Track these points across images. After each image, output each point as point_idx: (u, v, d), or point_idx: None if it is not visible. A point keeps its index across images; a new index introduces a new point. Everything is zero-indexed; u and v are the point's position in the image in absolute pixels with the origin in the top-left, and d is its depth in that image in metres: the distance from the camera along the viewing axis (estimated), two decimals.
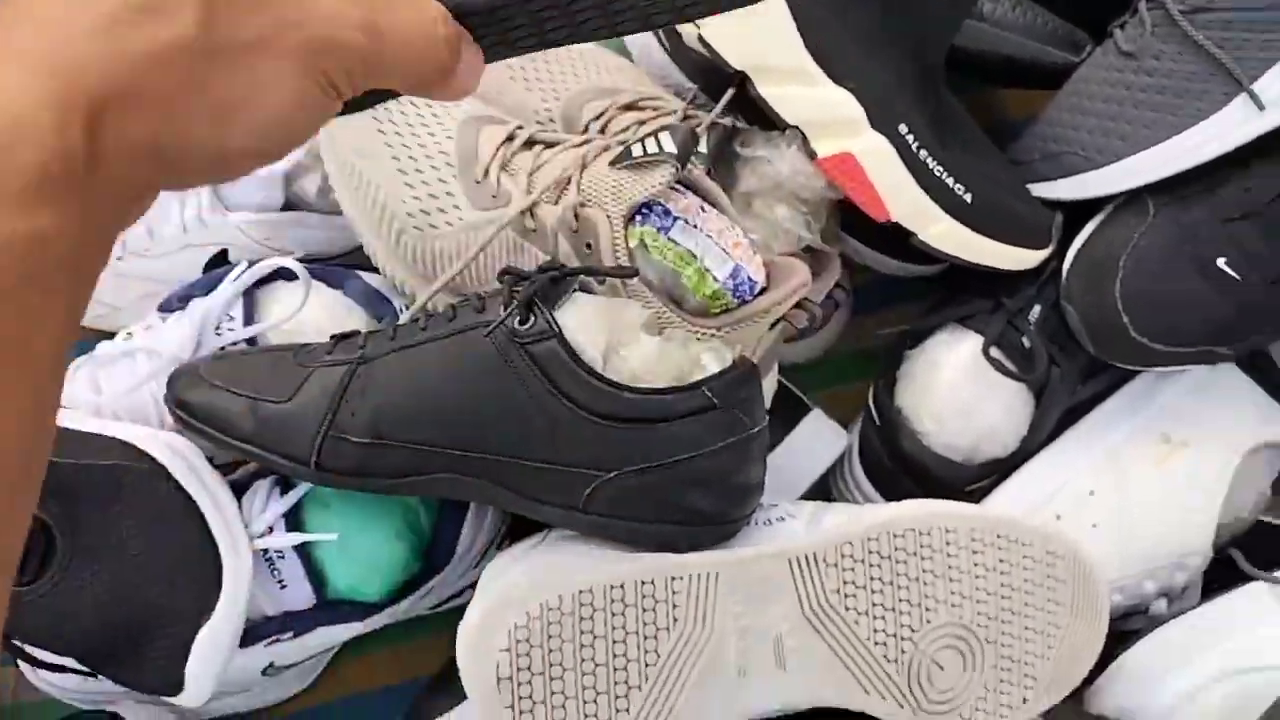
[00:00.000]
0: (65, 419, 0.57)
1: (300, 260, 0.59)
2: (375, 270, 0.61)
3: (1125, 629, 0.62)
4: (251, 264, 0.59)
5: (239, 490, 0.56)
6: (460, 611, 0.51)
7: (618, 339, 0.51)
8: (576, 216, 0.53)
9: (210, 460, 0.56)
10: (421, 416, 0.51)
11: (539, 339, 0.49)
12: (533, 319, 0.49)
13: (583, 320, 0.50)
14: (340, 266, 0.63)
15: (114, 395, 0.59)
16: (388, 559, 0.57)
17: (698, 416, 0.49)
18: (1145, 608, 0.64)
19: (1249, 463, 0.64)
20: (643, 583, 0.50)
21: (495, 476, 0.51)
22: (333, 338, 0.55)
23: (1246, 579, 0.61)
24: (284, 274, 0.60)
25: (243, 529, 0.54)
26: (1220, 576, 0.64)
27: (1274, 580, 0.60)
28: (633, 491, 0.50)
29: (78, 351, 0.64)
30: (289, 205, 0.64)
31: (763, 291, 0.54)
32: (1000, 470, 0.64)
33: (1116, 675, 0.61)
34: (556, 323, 0.49)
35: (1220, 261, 0.58)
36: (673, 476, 0.50)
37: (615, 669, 0.50)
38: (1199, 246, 0.58)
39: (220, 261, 0.63)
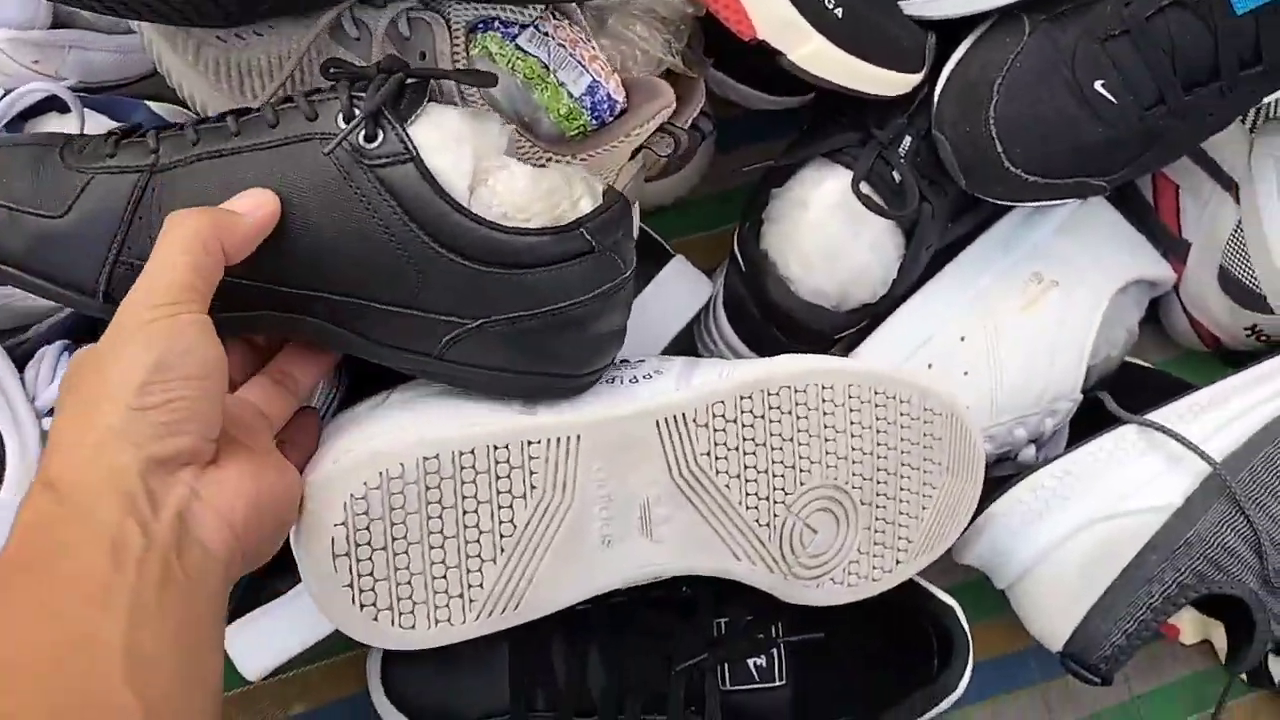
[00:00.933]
0: None
1: (75, 90, 0.50)
2: (171, 100, 0.52)
3: (994, 475, 0.61)
4: (8, 93, 0.49)
5: (20, 359, 0.48)
6: None
7: (485, 165, 0.44)
8: (409, 22, 0.46)
9: None
10: None
11: (392, 161, 0.41)
12: (381, 135, 0.42)
13: (443, 139, 0.43)
14: (124, 95, 0.54)
15: None
16: None
17: (576, 262, 0.44)
18: (1014, 454, 0.62)
19: (1118, 301, 0.63)
20: (495, 447, 0.45)
21: (334, 318, 0.45)
22: (111, 134, 0.45)
23: (1115, 422, 0.60)
24: (55, 105, 0.50)
25: (28, 405, 0.47)
26: (1087, 420, 0.62)
27: (1142, 423, 0.58)
28: (496, 340, 0.45)
29: None
30: (58, 24, 0.54)
31: (623, 113, 0.48)
32: (869, 316, 0.61)
33: (983, 526, 0.59)
34: (413, 142, 0.42)
35: (1097, 84, 0.55)
36: (541, 325, 0.45)
37: (466, 541, 0.45)
38: (1075, 68, 0.55)
39: None
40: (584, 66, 0.47)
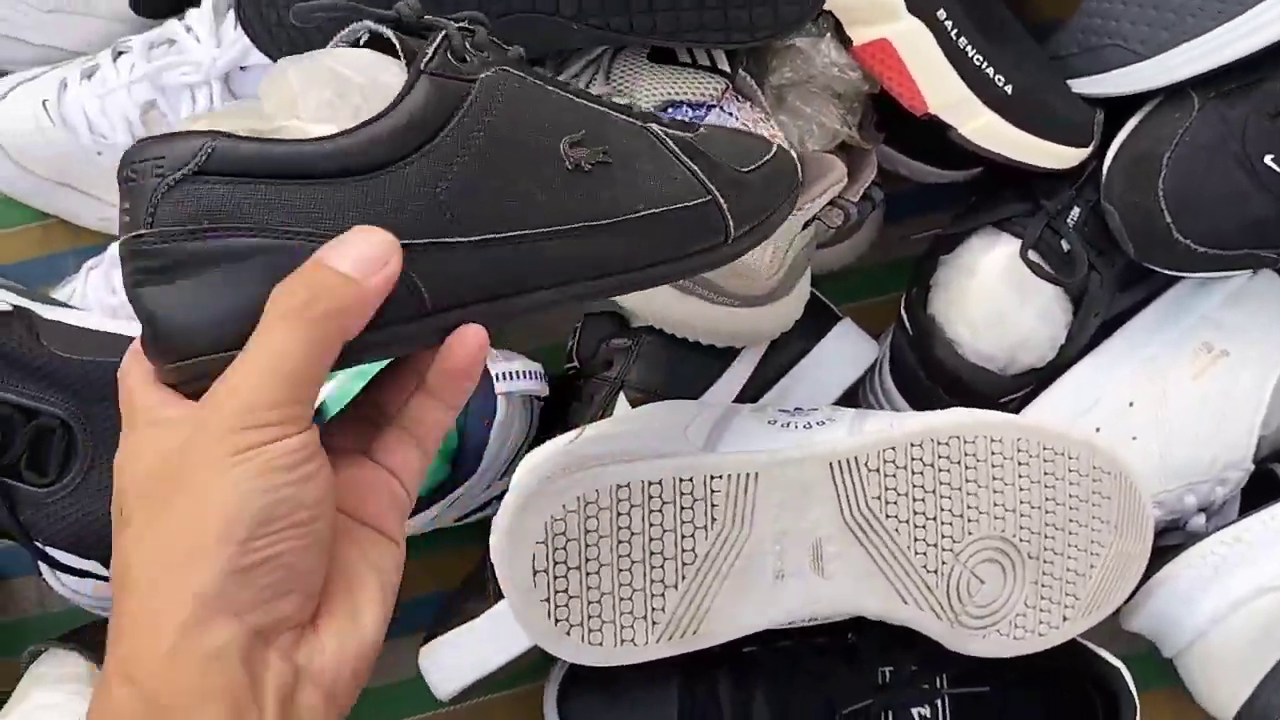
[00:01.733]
0: (82, 319, 0.55)
1: None
2: None
3: (1163, 544, 0.61)
4: None
5: None
6: (486, 525, 0.49)
7: None
8: None
9: None
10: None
11: None
12: None
13: None
14: None
15: None
16: None
17: None
18: (1184, 523, 0.63)
19: None
20: (681, 479, 0.49)
21: None
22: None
23: None
24: None
25: None
26: (1260, 491, 0.62)
27: None
28: None
29: (89, 255, 0.63)
30: None
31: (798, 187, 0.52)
32: (1036, 381, 0.62)
33: (1152, 591, 0.59)
34: None
35: (1268, 159, 0.56)
36: None
37: (651, 566, 0.49)
38: (1245, 143, 0.56)
39: None
40: None
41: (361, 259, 0.33)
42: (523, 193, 0.36)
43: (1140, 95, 0.60)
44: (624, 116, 0.39)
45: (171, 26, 0.61)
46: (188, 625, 0.30)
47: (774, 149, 0.44)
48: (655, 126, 0.40)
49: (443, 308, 0.35)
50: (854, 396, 0.67)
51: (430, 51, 0.35)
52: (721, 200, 0.40)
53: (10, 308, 0.54)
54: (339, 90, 0.36)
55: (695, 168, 0.40)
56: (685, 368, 0.61)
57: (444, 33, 0.35)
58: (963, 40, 0.55)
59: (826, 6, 0.53)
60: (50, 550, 0.53)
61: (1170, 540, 0.63)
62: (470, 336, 0.36)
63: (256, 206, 0.32)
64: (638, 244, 0.38)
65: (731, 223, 0.40)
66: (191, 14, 0.61)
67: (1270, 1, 0.55)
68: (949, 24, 0.54)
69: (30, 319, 0.54)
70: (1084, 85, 0.60)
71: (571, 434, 0.53)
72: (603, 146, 0.38)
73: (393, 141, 0.34)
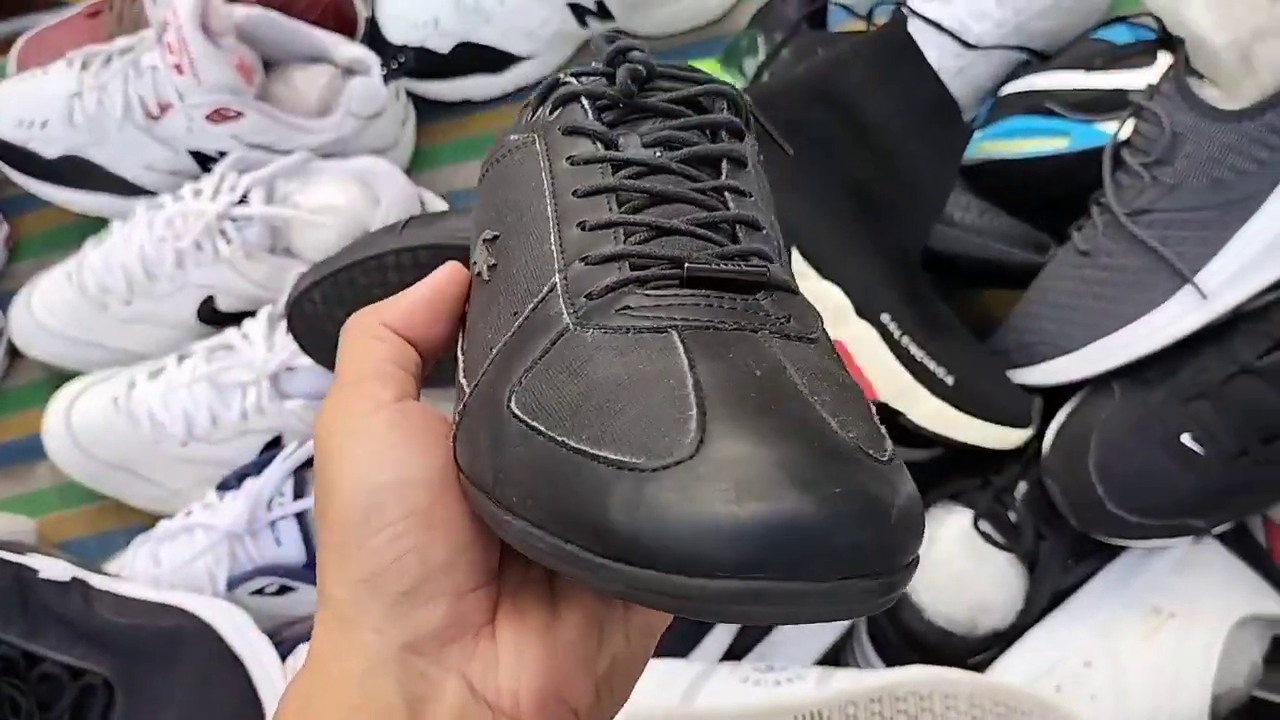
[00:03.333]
0: (127, 588, 0.62)
1: None
2: None
3: None
4: (300, 444, 0.65)
5: (284, 651, 0.60)
6: None
7: None
8: None
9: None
10: None
11: None
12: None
13: None
14: None
15: (173, 567, 0.64)
16: None
17: None
18: None
19: (1237, 635, 0.67)
20: None
21: None
22: None
23: None
24: None
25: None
26: None
27: None
28: None
29: (137, 532, 0.71)
30: None
31: None
32: (1000, 644, 0.67)
33: None
34: None
35: (1184, 437, 0.63)
36: None
37: None
38: (1164, 424, 0.64)
39: (275, 446, 0.70)
40: None
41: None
42: None
43: (1071, 384, 0.68)
44: None
45: (230, 334, 0.72)
46: (338, 649, 0.27)
47: None
48: None
49: None
50: (837, 660, 0.72)
51: None
52: None
53: (69, 578, 0.61)
54: None
55: None
56: (673, 629, 0.66)
57: None
58: (906, 339, 0.63)
59: None
60: None
61: None
62: None
63: None
64: None
65: None
66: (248, 323, 0.72)
67: (1170, 304, 0.64)
68: (893, 326, 0.63)
69: (85, 588, 0.62)
70: (1020, 375, 0.68)
71: None
72: None
73: None
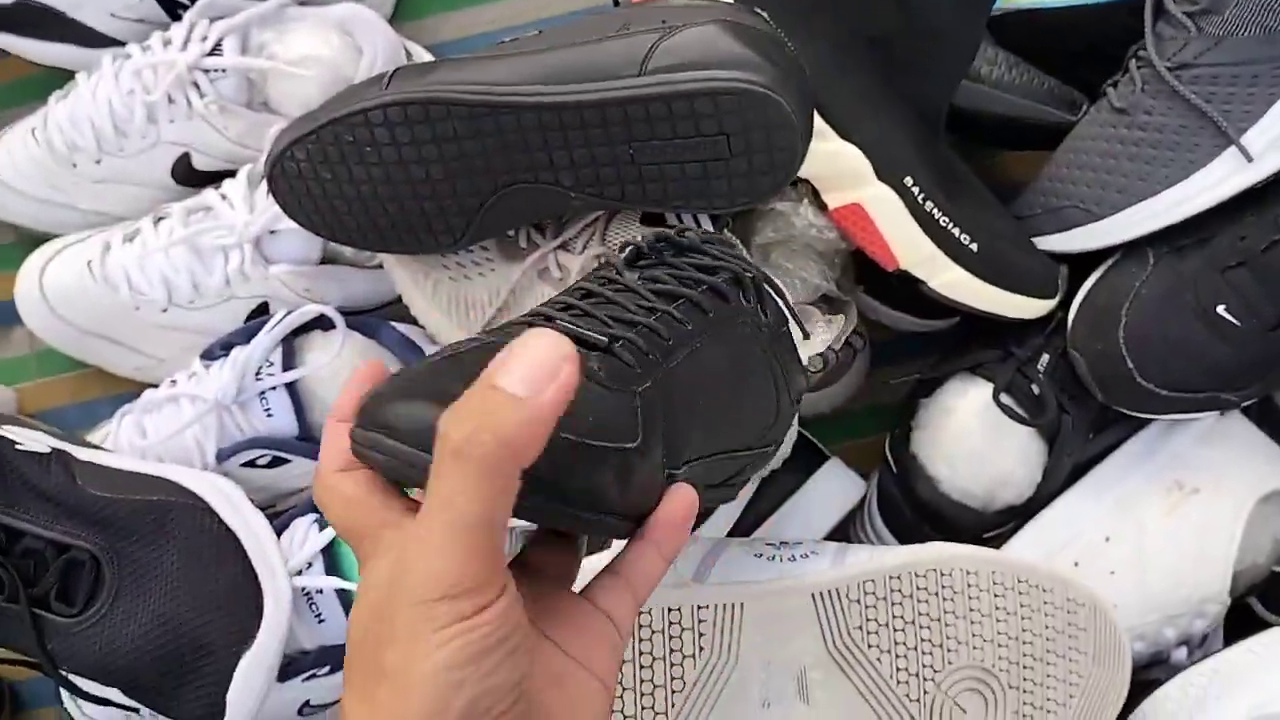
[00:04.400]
0: (112, 460, 0.59)
1: (336, 310, 0.62)
2: (406, 322, 0.64)
3: (1147, 679, 0.63)
4: (289, 313, 0.62)
5: (280, 526, 0.58)
6: None
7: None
8: (598, 262, 0.56)
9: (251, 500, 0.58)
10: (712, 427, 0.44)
11: (781, 334, 0.49)
12: (768, 312, 0.48)
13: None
14: (374, 317, 0.66)
15: (159, 439, 0.61)
16: None
17: None
18: (1166, 656, 0.65)
19: (1261, 510, 0.66)
20: (669, 609, 0.52)
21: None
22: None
23: (1266, 626, 0.62)
24: (321, 323, 0.63)
25: (282, 563, 0.56)
26: (1240, 625, 0.64)
27: None
28: None
29: (122, 402, 0.67)
30: (326, 260, 0.67)
31: None
32: (1017, 518, 0.65)
33: None
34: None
35: (1220, 308, 0.60)
36: None
37: (642, 694, 0.51)
38: (1199, 294, 0.61)
39: (261, 313, 0.66)
40: None
41: (530, 372, 0.30)
42: None
43: (1101, 251, 0.64)
44: None
45: (208, 195, 0.67)
46: None
47: None
48: None
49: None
50: (846, 534, 0.70)
51: None
52: None
53: (49, 450, 0.58)
54: None
55: None
56: None
57: None
58: (929, 204, 0.60)
59: (803, 174, 0.58)
60: (74, 678, 0.56)
61: (1154, 675, 0.64)
62: (685, 492, 0.38)
63: None
64: None
65: None
66: (227, 183, 0.68)
67: (1212, 166, 0.60)
68: (915, 189, 0.59)
69: (67, 460, 0.59)
70: (1047, 243, 0.65)
71: None
72: None
73: None
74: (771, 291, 0.49)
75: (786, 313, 0.50)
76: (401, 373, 0.37)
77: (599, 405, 0.36)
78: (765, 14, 0.55)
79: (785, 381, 0.50)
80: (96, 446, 0.63)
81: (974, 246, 0.61)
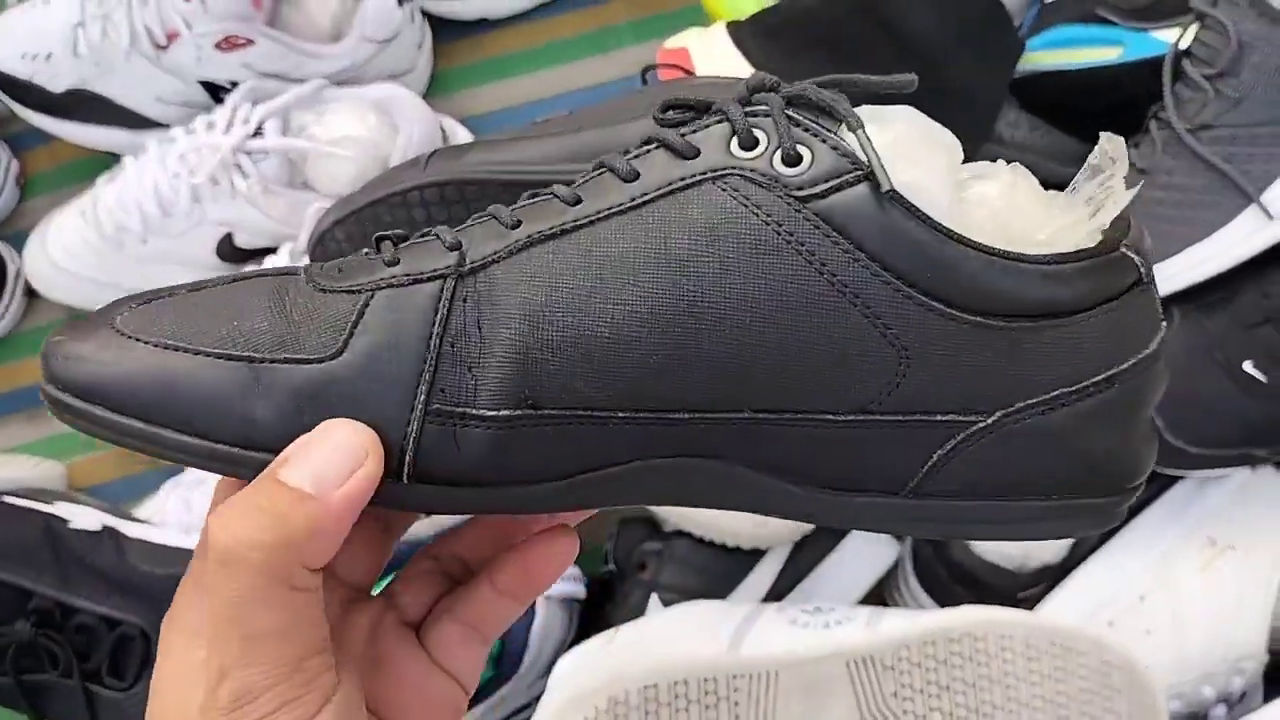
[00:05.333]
0: (160, 536, 0.61)
1: None
2: None
3: None
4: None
5: None
6: None
7: (959, 178, 0.31)
8: None
9: None
10: (616, 353, 0.29)
11: (835, 186, 0.29)
12: (809, 154, 0.29)
13: (901, 140, 0.30)
14: None
15: (203, 514, 0.63)
16: None
17: (1130, 298, 0.31)
18: (1205, 715, 0.64)
19: None
20: (705, 679, 0.52)
21: (755, 453, 0.31)
22: (383, 237, 0.32)
23: None
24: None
25: None
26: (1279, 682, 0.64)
27: None
28: (1022, 441, 0.30)
29: (168, 475, 0.69)
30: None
31: None
32: (1051, 578, 0.66)
33: None
34: (872, 147, 0.29)
35: (1246, 364, 0.61)
36: (1096, 406, 0.30)
37: None
38: (1225, 351, 0.61)
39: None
40: None
41: (323, 468, 0.27)
42: None
43: None
44: None
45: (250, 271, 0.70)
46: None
47: None
48: None
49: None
50: (881, 596, 0.70)
51: None
52: None
53: (100, 527, 0.60)
54: None
55: None
56: (715, 569, 0.65)
57: None
58: None
59: None
60: None
61: None
62: (566, 541, 0.34)
63: None
64: None
65: None
66: (269, 260, 0.70)
67: (1234, 224, 0.60)
68: None
69: (117, 537, 0.61)
70: None
71: (606, 634, 0.57)
72: None
73: None
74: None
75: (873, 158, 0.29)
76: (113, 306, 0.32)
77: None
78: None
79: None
80: (144, 521, 0.65)
81: None
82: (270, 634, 0.26)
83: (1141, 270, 0.31)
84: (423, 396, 0.29)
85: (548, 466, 0.30)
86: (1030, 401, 0.30)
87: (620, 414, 0.30)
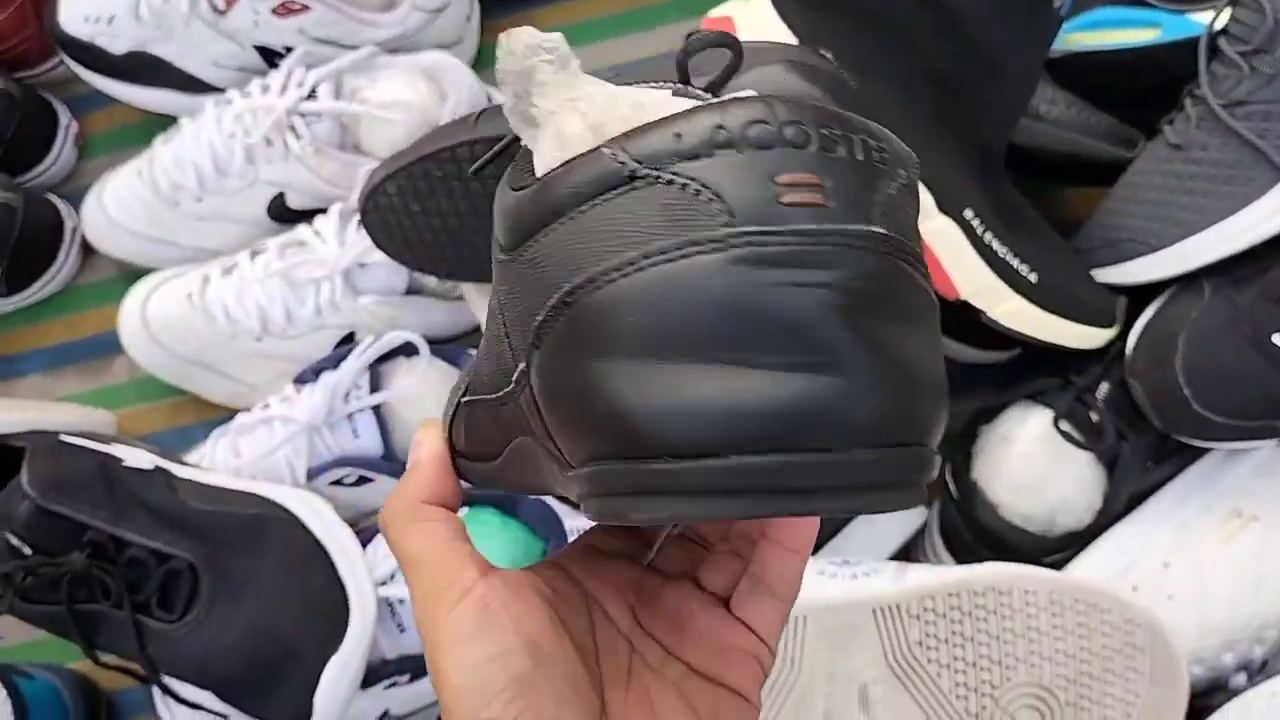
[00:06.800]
0: (210, 477, 0.63)
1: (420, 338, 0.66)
2: None
3: (1208, 705, 0.64)
4: (376, 339, 0.65)
5: (365, 539, 0.61)
6: None
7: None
8: None
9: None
10: None
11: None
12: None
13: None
14: (454, 345, 0.69)
15: (252, 459, 0.65)
16: None
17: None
18: (1225, 682, 0.65)
19: None
20: None
21: None
22: None
23: None
24: (406, 350, 0.66)
25: (368, 574, 0.59)
26: None
27: None
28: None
29: (213, 426, 0.72)
30: (410, 291, 0.71)
31: None
32: (1076, 543, 0.67)
33: None
34: None
35: (1275, 337, 0.61)
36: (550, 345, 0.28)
37: None
38: (1254, 324, 0.62)
39: (348, 342, 0.70)
40: None
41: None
42: None
43: (1160, 282, 0.66)
44: None
45: (301, 230, 0.72)
46: None
47: None
48: None
49: None
50: (908, 559, 0.71)
51: None
52: None
53: (152, 466, 0.62)
54: None
55: None
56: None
57: None
58: (989, 235, 0.62)
59: None
60: (170, 681, 0.59)
61: (1215, 701, 0.65)
62: None
63: None
64: None
65: None
66: (319, 220, 0.72)
67: (1266, 199, 0.61)
68: (976, 221, 0.62)
69: (168, 476, 0.63)
70: (1105, 275, 0.67)
71: None
72: None
73: None
74: None
75: None
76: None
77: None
78: (828, 54, 0.58)
79: None
80: (193, 465, 0.67)
81: (1033, 277, 0.63)
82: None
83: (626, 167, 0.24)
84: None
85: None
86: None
87: None
